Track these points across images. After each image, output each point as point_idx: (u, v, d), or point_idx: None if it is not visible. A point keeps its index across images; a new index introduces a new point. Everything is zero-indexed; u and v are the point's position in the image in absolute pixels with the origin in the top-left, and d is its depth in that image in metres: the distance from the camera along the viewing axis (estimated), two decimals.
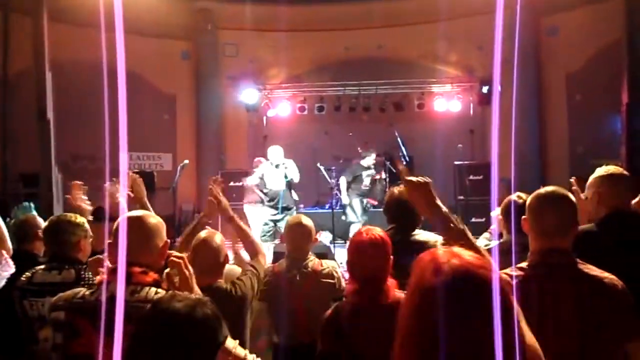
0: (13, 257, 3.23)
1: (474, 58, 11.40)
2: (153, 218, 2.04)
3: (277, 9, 10.63)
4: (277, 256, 5.82)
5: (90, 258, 2.49)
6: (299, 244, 3.35)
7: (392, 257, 2.36)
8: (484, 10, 8.93)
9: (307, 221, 3.39)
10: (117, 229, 1.92)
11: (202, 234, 2.81)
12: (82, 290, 1.95)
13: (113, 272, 1.84)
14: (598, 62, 9.77)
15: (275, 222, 7.88)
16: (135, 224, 1.94)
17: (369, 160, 9.25)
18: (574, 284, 1.91)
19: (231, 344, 1.74)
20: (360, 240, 2.36)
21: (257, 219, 8.08)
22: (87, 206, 3.49)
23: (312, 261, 3.31)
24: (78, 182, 3.63)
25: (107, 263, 2.00)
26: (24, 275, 2.74)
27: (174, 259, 1.92)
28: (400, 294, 2.31)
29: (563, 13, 10.33)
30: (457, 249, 1.19)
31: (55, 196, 6.83)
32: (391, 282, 2.31)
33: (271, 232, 7.95)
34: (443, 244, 2.09)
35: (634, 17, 6.97)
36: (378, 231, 2.42)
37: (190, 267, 1.94)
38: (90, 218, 3.22)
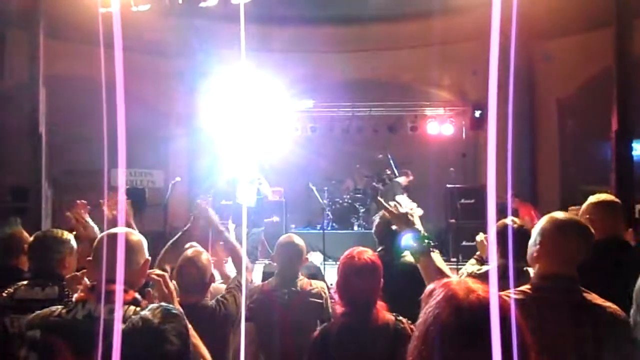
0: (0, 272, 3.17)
1: (467, 82, 11.52)
2: (134, 235, 2.02)
3: (270, 29, 10.72)
4: (266, 276, 5.76)
5: (67, 275, 2.46)
6: (289, 263, 3.33)
7: (382, 279, 2.34)
8: (477, 35, 9.06)
9: (299, 240, 3.39)
10: (97, 246, 1.90)
11: (189, 252, 2.80)
12: (59, 309, 1.91)
13: (92, 290, 1.81)
14: (589, 89, 9.89)
15: None
16: (115, 241, 1.91)
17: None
18: (575, 310, 1.92)
19: None
20: (352, 263, 2.34)
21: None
22: (91, 225, 3.46)
23: (302, 280, 3.30)
24: (82, 201, 3.60)
25: (85, 280, 1.97)
26: (6, 291, 2.69)
27: (154, 276, 1.92)
28: (389, 316, 2.29)
29: (556, 40, 10.48)
30: (471, 282, 1.20)
31: (44, 211, 6.76)
32: (380, 304, 2.29)
33: None
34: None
35: (623, 45, 7.08)
36: (369, 254, 2.40)
37: (170, 285, 1.93)
38: (98, 235, 3.16)
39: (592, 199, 2.94)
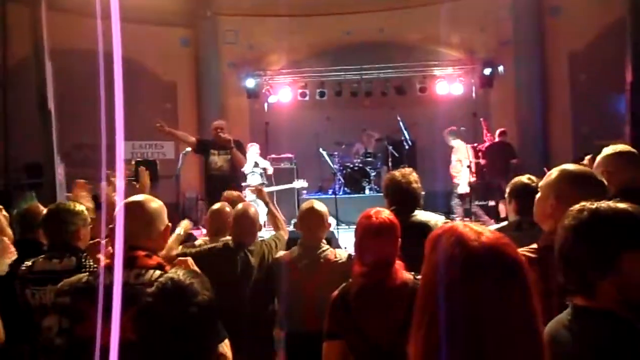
0: (18, 246, 3.23)
1: (475, 40, 11.32)
2: (154, 202, 2.04)
3: None
4: (290, 243, 5.80)
5: (82, 246, 2.51)
6: (312, 231, 3.28)
7: (399, 239, 2.33)
8: None
9: (320, 206, 3.33)
10: (119, 213, 1.92)
11: (240, 206, 3.45)
12: (86, 276, 1.96)
13: (115, 256, 1.84)
14: (601, 42, 9.68)
15: None
16: (137, 208, 1.95)
17: None
18: None
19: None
20: (370, 223, 2.31)
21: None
22: (89, 204, 3.55)
23: (326, 251, 3.24)
24: (81, 180, 3.65)
25: (108, 248, 2.00)
26: (24, 265, 2.75)
27: (181, 259, 2.06)
28: (408, 276, 2.30)
29: None
30: (474, 225, 1.20)
31: (58, 185, 6.83)
32: (399, 264, 2.29)
33: None
34: None
35: None
36: (387, 213, 2.36)
37: (194, 266, 2.00)
38: (93, 215, 3.27)
39: (608, 150, 2.79)
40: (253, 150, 8.73)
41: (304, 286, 3.17)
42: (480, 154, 9.65)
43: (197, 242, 3.62)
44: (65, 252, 2.76)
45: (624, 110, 7.40)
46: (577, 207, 1.49)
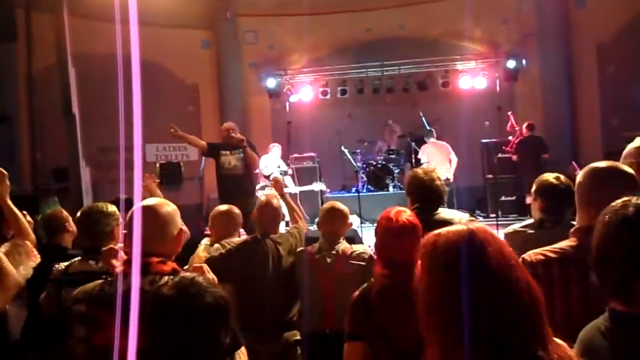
0: (44, 250, 3.27)
1: (498, 33, 11.13)
2: (167, 206, 2.01)
3: None
4: (309, 241, 5.79)
5: (103, 248, 2.51)
6: (332, 229, 3.35)
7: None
8: None
9: (342, 206, 3.43)
10: (130, 219, 1.91)
11: (263, 198, 3.63)
12: (102, 282, 1.95)
13: (129, 263, 1.83)
14: (629, 32, 9.44)
15: None
16: (149, 213, 1.91)
17: None
18: None
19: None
20: (390, 225, 2.29)
21: None
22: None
23: (342, 244, 3.31)
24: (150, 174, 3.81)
25: (121, 254, 1.99)
26: (59, 267, 2.77)
27: (196, 265, 2.09)
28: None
29: None
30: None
31: (84, 189, 6.94)
32: (420, 264, 2.25)
33: None
34: None
35: None
36: (408, 214, 2.34)
37: (211, 273, 2.02)
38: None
39: (638, 141, 2.68)
40: (275, 151, 8.72)
41: (322, 281, 3.22)
42: (511, 149, 9.47)
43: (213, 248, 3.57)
44: (100, 254, 2.78)
45: None
46: (619, 201, 1.37)
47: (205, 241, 3.63)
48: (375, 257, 2.46)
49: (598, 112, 10.37)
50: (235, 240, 3.50)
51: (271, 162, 8.36)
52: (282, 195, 3.98)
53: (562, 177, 2.93)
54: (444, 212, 3.17)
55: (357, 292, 2.30)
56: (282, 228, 3.96)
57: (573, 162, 8.06)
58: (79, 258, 2.81)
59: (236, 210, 3.70)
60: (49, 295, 2.76)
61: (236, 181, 6.20)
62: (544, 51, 10.63)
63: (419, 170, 3.32)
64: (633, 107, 9.15)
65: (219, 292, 1.52)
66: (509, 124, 9.63)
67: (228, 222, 3.61)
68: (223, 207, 3.77)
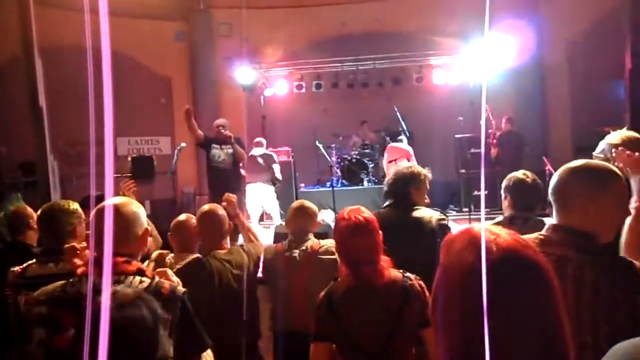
0: (7, 249, 3.17)
1: (473, 28, 11.20)
2: (132, 205, 1.96)
3: None
4: (277, 237, 5.77)
5: (65, 246, 2.42)
6: (300, 227, 3.36)
7: (381, 233, 2.30)
8: None
9: (310, 205, 3.44)
10: (94, 218, 1.85)
11: (205, 207, 3.26)
12: (63, 283, 1.89)
13: (93, 263, 1.77)
14: (599, 28, 9.59)
15: None
16: (113, 213, 1.86)
17: None
18: (584, 272, 1.71)
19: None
20: (345, 224, 2.30)
21: (263, 199, 7.95)
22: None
23: (311, 240, 3.31)
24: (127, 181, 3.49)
25: (86, 253, 1.93)
26: (15, 270, 2.67)
27: (160, 270, 2.08)
28: (396, 273, 2.25)
29: None
30: (493, 227, 1.10)
31: (52, 183, 6.76)
32: (385, 260, 2.26)
33: None
34: None
35: None
36: (361, 212, 2.34)
37: (174, 276, 2.03)
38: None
39: (614, 137, 2.54)
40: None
41: (292, 278, 3.21)
42: (493, 142, 9.52)
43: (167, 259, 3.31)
44: (60, 254, 2.63)
45: (623, 97, 7.32)
46: None
47: (153, 256, 3.30)
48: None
49: (568, 108, 10.54)
50: (182, 261, 3.14)
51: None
52: (236, 216, 3.53)
53: (529, 173, 2.98)
54: (417, 210, 3.17)
55: (322, 293, 2.30)
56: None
57: (544, 158, 8.19)
58: (35, 261, 2.69)
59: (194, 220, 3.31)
60: (5, 299, 2.67)
61: (223, 174, 6.74)
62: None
63: (399, 167, 3.33)
64: (602, 103, 9.32)
65: (153, 307, 1.43)
66: (489, 118, 9.68)
67: (214, 231, 3.19)
68: (181, 217, 3.41)
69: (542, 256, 1.06)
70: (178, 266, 3.06)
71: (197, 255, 3.18)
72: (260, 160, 7.92)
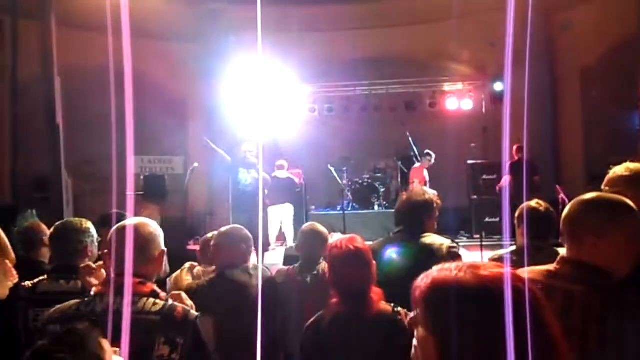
0: (20, 265, 3.18)
1: (485, 55, 11.25)
2: (149, 226, 1.97)
3: (285, 9, 10.59)
4: (287, 259, 5.76)
5: (81, 265, 2.43)
6: (312, 250, 3.35)
7: (374, 264, 2.28)
8: (495, 6, 8.77)
9: (321, 228, 3.43)
10: (112, 238, 1.86)
11: (223, 229, 3.20)
12: (78, 302, 1.89)
13: (108, 283, 1.78)
14: (613, 57, 9.58)
15: None
16: (129, 234, 1.87)
17: None
18: (595, 307, 1.67)
19: None
20: (336, 253, 2.27)
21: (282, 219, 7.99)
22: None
23: (322, 264, 3.27)
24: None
25: (102, 272, 1.94)
26: (26, 285, 2.67)
27: (174, 293, 2.05)
28: (386, 306, 2.22)
29: (576, 8, 10.16)
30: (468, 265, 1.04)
31: (65, 200, 6.82)
32: (376, 292, 2.22)
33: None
34: None
35: None
36: (355, 241, 2.32)
37: (189, 300, 2.04)
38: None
39: (622, 170, 2.49)
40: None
41: (303, 302, 3.16)
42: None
43: (195, 271, 3.45)
44: (72, 273, 2.65)
45: (637, 126, 7.28)
46: None
47: (188, 265, 3.44)
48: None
49: (581, 136, 10.49)
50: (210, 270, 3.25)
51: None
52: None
53: (542, 202, 2.96)
54: (427, 237, 3.14)
55: (310, 321, 2.28)
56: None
57: (557, 186, 8.14)
58: (46, 277, 2.70)
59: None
60: (16, 315, 2.66)
61: (248, 197, 7.00)
62: (529, 75, 10.74)
63: (404, 194, 3.31)
64: (615, 131, 9.27)
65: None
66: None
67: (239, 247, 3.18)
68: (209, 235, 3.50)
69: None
70: (204, 278, 3.17)
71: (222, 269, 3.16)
72: (283, 182, 8.18)
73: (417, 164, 9.31)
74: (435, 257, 2.96)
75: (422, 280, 1.06)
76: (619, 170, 2.58)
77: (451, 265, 1.04)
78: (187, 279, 3.29)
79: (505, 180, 9.23)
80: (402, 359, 2.09)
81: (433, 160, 9.30)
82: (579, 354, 1.60)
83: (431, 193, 3.29)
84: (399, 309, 2.21)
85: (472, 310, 0.96)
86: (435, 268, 1.06)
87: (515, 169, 9.39)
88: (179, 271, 3.39)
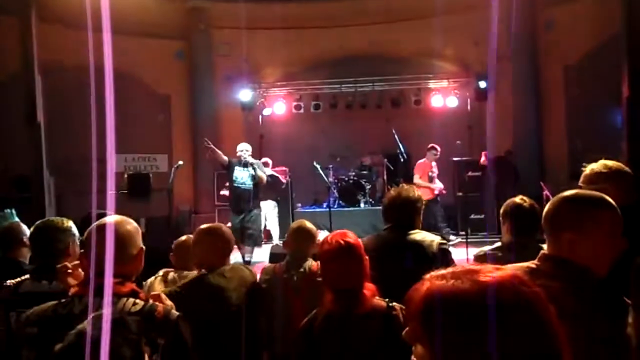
0: None
1: (470, 53, 11.31)
2: (127, 224, 1.93)
3: (270, 6, 10.54)
4: (273, 257, 5.73)
5: (58, 265, 2.38)
6: (300, 247, 3.32)
7: (367, 259, 2.22)
8: (480, 5, 8.85)
9: (310, 226, 3.40)
10: (88, 237, 1.82)
11: (204, 226, 3.12)
12: (55, 304, 1.85)
13: (86, 284, 1.74)
14: (597, 55, 9.67)
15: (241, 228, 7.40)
16: (106, 232, 1.82)
17: None
18: (576, 305, 1.71)
19: None
20: (326, 248, 2.21)
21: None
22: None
23: (309, 262, 3.25)
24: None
25: (79, 272, 1.89)
26: (9, 285, 2.62)
27: (154, 293, 1.99)
28: (379, 302, 2.18)
29: (561, 6, 10.24)
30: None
31: (47, 200, 6.71)
32: (370, 288, 2.17)
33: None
34: None
35: (633, 8, 6.86)
36: (346, 236, 2.25)
37: (168, 301, 1.96)
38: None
39: (598, 166, 2.59)
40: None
41: (290, 300, 3.15)
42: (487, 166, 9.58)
43: (169, 277, 3.29)
44: (54, 272, 2.58)
45: (620, 124, 7.35)
46: None
47: (162, 273, 3.27)
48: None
49: (564, 134, 10.58)
50: (189, 274, 3.14)
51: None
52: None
53: (527, 199, 2.97)
54: (416, 234, 3.12)
55: (304, 320, 2.23)
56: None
57: (541, 183, 8.20)
58: (28, 276, 2.65)
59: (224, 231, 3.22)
60: None
61: (244, 194, 7.40)
62: (513, 73, 10.83)
63: (392, 190, 3.28)
64: (599, 130, 9.36)
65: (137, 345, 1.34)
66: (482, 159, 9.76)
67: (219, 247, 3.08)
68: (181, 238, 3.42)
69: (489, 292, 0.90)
70: (182, 282, 3.04)
71: (202, 272, 3.07)
72: (268, 179, 8.16)
73: (421, 160, 9.29)
74: (426, 253, 2.95)
75: (416, 292, 0.96)
76: (597, 167, 2.64)
77: (446, 273, 0.95)
78: (159, 289, 3.18)
79: (485, 155, 9.34)
80: (399, 356, 2.07)
81: (438, 154, 9.23)
82: None
83: (418, 191, 3.26)
84: (394, 304, 2.16)
85: (474, 323, 0.87)
86: (428, 276, 0.97)
87: (501, 165, 9.48)
88: (153, 278, 3.26)
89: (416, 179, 8.94)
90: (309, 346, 2.13)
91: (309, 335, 2.14)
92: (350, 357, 2.08)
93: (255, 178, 7.46)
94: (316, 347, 2.11)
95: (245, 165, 7.49)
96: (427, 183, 8.91)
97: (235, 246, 6.75)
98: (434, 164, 9.23)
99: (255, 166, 7.51)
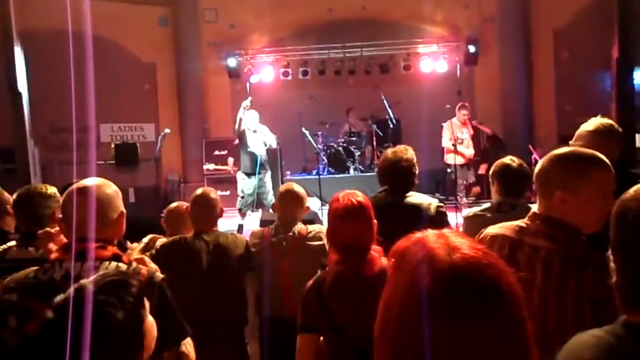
0: None
1: (460, 17, 11.17)
2: (106, 187, 1.88)
3: None
4: (262, 224, 5.73)
5: (39, 231, 2.35)
6: (289, 211, 3.31)
7: (375, 221, 2.18)
8: None
9: (299, 189, 3.38)
10: (65, 202, 1.78)
11: (198, 191, 3.27)
12: (35, 270, 1.82)
13: (66, 249, 1.71)
14: (586, 17, 9.59)
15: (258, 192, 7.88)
16: (85, 196, 1.78)
17: None
18: (557, 262, 1.67)
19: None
20: (336, 207, 2.17)
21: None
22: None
23: (299, 225, 3.26)
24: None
25: (61, 237, 1.87)
26: None
27: (137, 257, 1.99)
28: (387, 263, 2.17)
29: None
30: (452, 237, 0.92)
31: (32, 170, 6.62)
32: (377, 249, 2.14)
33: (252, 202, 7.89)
34: None
35: None
36: (356, 195, 2.22)
37: (152, 263, 1.96)
38: None
39: (587, 124, 2.60)
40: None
41: (279, 264, 3.16)
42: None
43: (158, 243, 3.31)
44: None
45: (609, 87, 7.33)
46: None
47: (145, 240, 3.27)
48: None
49: (553, 98, 10.57)
50: (166, 240, 3.18)
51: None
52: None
53: (516, 159, 2.96)
54: (414, 197, 3.11)
55: (310, 282, 2.20)
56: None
57: (530, 147, 8.22)
58: (15, 243, 2.63)
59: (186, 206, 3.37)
60: None
61: (258, 159, 7.77)
62: (503, 36, 10.74)
63: (389, 152, 3.24)
64: (587, 93, 9.35)
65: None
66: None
67: (206, 213, 3.21)
68: (172, 205, 3.52)
69: (509, 275, 0.87)
70: (161, 242, 3.07)
71: (184, 235, 3.14)
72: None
73: (446, 122, 9.20)
74: (423, 215, 2.95)
75: (396, 248, 0.97)
76: (586, 125, 2.65)
77: (429, 236, 0.93)
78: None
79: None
80: None
81: (468, 114, 9.02)
82: (539, 309, 1.61)
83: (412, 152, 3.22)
84: None
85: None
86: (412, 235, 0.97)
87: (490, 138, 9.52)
88: (136, 244, 3.28)
89: (444, 141, 8.86)
90: (317, 309, 2.09)
91: (316, 298, 2.11)
92: (360, 321, 2.08)
93: (266, 144, 7.98)
94: (324, 310, 2.08)
95: (255, 131, 7.93)
96: (449, 145, 8.78)
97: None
98: (460, 125, 8.96)
99: (265, 132, 8.00)
